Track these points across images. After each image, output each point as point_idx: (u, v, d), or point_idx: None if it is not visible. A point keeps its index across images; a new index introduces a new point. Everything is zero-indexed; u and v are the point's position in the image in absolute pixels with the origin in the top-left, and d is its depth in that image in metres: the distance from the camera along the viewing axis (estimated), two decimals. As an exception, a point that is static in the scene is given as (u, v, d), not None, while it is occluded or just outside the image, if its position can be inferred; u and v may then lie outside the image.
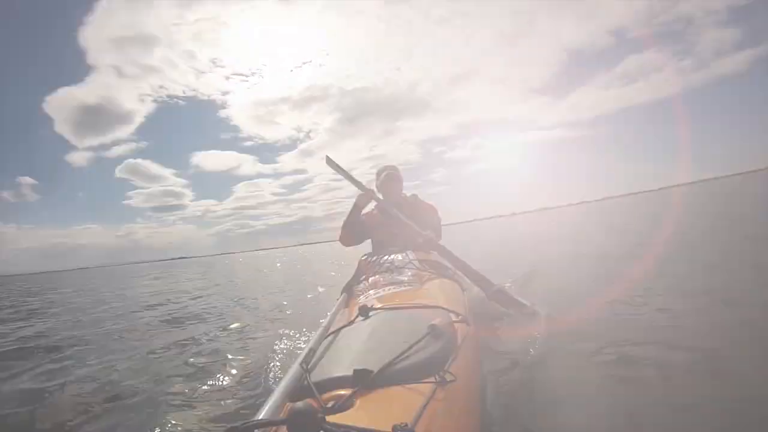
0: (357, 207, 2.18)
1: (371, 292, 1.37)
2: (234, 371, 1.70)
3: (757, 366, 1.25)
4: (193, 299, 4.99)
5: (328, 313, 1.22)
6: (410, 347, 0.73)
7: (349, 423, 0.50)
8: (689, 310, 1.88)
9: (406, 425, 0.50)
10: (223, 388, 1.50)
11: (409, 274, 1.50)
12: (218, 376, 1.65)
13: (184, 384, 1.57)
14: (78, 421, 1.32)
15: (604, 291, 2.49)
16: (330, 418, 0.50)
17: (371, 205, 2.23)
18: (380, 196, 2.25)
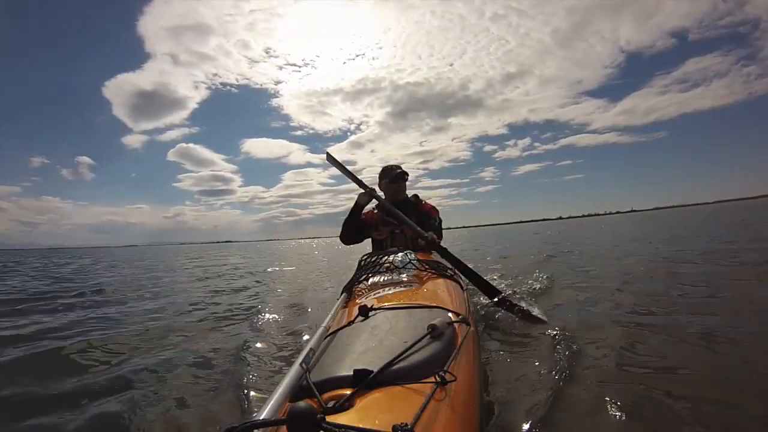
0: (358, 206, 2.19)
1: (371, 292, 1.37)
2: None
3: None
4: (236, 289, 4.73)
5: (329, 313, 1.22)
6: (410, 347, 0.73)
7: (349, 423, 0.50)
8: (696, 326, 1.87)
9: (406, 425, 0.50)
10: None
11: (410, 274, 1.50)
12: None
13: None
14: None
15: (620, 301, 2.44)
16: (330, 418, 0.50)
17: (373, 204, 2.23)
18: (382, 195, 2.25)
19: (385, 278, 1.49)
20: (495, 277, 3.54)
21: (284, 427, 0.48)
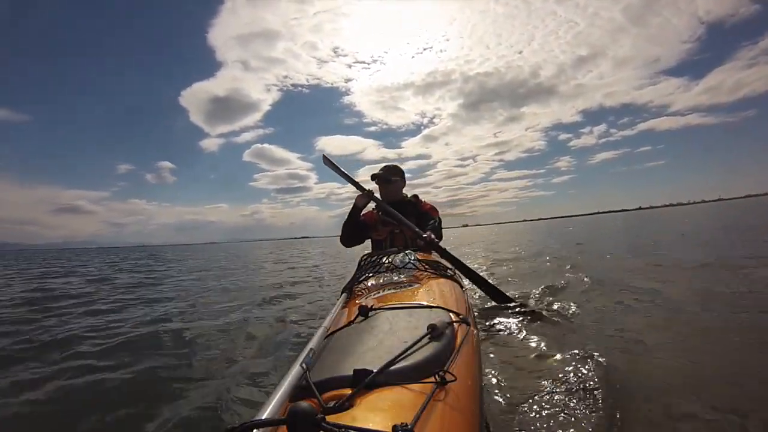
0: (356, 208, 2.19)
1: (371, 292, 1.37)
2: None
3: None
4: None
5: (329, 313, 1.22)
6: (410, 347, 0.73)
7: (349, 423, 0.50)
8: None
9: (406, 425, 0.50)
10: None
11: (409, 274, 1.50)
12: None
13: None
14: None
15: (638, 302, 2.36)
16: (330, 418, 0.50)
17: (372, 205, 2.23)
18: (380, 197, 2.25)
19: (385, 278, 1.49)
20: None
21: (284, 427, 0.48)
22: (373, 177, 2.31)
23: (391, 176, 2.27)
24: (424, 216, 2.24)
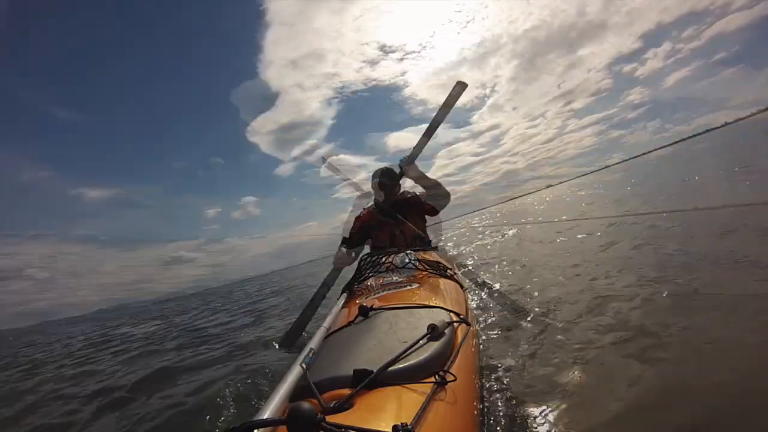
0: (355, 209, 2.21)
1: (371, 292, 1.37)
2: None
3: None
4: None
5: (329, 313, 1.22)
6: (410, 347, 0.73)
7: (349, 423, 0.50)
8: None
9: (406, 425, 0.50)
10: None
11: (409, 274, 1.51)
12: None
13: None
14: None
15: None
16: (330, 418, 0.50)
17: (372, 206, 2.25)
18: (378, 198, 2.27)
19: (385, 278, 1.49)
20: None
21: (284, 427, 0.48)
22: (373, 177, 2.32)
23: (387, 178, 2.28)
24: (427, 210, 2.24)
